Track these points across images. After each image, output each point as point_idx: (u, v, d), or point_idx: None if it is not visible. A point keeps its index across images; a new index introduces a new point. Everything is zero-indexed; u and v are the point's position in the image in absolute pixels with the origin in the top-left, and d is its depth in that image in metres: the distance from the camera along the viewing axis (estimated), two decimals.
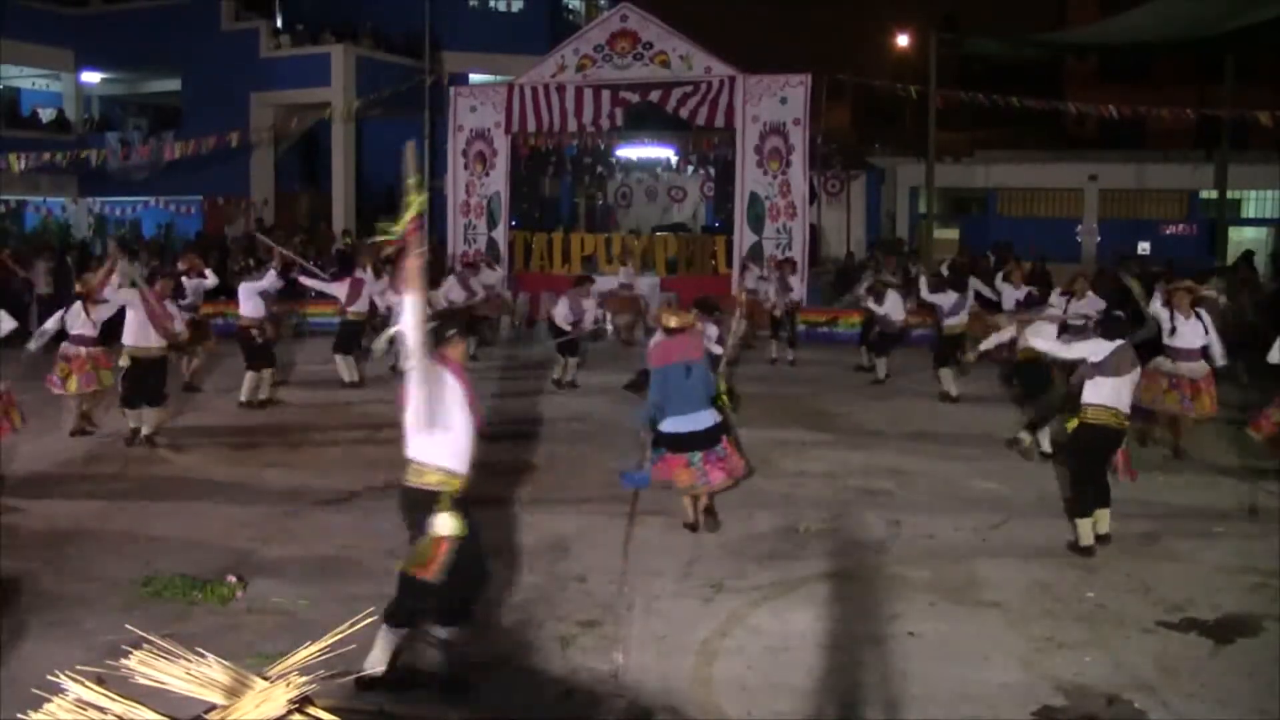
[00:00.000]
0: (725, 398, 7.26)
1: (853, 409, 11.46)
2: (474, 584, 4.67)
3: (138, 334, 9.29)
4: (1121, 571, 6.31)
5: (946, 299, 11.96)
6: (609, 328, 16.50)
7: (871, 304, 13.18)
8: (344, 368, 12.35)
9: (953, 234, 26.90)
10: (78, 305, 9.54)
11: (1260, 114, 14.44)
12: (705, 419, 6.69)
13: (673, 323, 6.86)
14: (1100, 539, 6.66)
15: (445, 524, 4.30)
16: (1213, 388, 9.12)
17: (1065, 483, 7.52)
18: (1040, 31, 24.09)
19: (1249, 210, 26.08)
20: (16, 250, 17.92)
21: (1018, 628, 5.46)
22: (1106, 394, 6.56)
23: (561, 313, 12.66)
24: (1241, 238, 24.41)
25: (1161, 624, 5.51)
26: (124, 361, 9.36)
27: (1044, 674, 4.90)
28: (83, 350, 9.52)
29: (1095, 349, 6.66)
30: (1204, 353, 9.08)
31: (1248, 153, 20.04)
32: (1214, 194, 22.10)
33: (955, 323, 11.93)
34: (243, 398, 11.02)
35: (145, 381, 9.33)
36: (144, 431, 9.40)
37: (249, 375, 11.09)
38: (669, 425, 6.68)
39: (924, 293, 12.41)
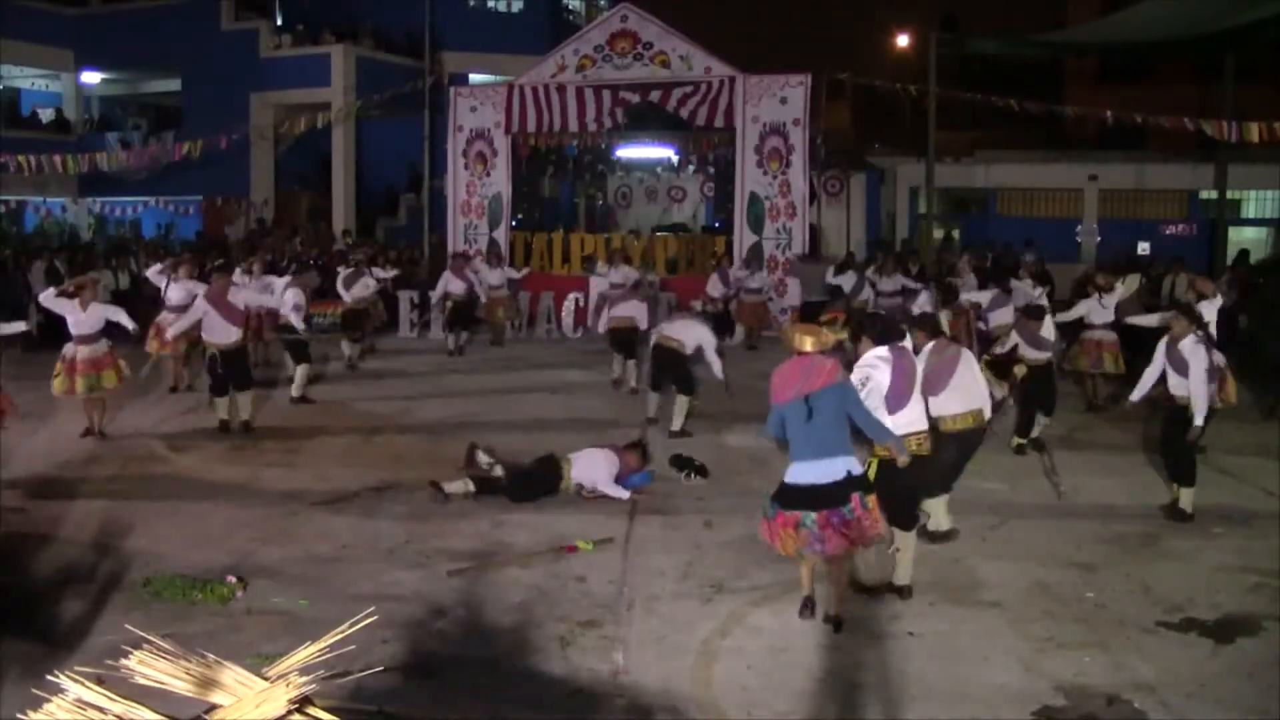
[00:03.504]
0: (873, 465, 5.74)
1: None
2: None
3: (213, 331, 9.90)
4: (1121, 571, 6.32)
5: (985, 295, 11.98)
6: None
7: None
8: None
9: (952, 234, 26.92)
10: (74, 304, 9.43)
11: (1251, 125, 14.37)
12: (835, 469, 5.24)
13: (808, 345, 5.42)
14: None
15: None
16: (1231, 376, 9.13)
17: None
18: (1040, 31, 24.04)
19: (1249, 210, 26.06)
20: (17, 251, 17.94)
21: (1018, 628, 5.46)
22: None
23: (643, 315, 12.09)
24: (1241, 238, 24.41)
25: (1161, 624, 5.51)
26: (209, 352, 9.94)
27: (1044, 674, 4.90)
28: (79, 350, 9.40)
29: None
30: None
31: (1248, 153, 20.00)
32: (1214, 194, 22.08)
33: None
34: (294, 393, 11.49)
35: (231, 370, 9.91)
36: (243, 416, 10.01)
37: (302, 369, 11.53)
38: (788, 474, 5.37)
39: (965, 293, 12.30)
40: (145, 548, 6.58)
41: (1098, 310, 10.95)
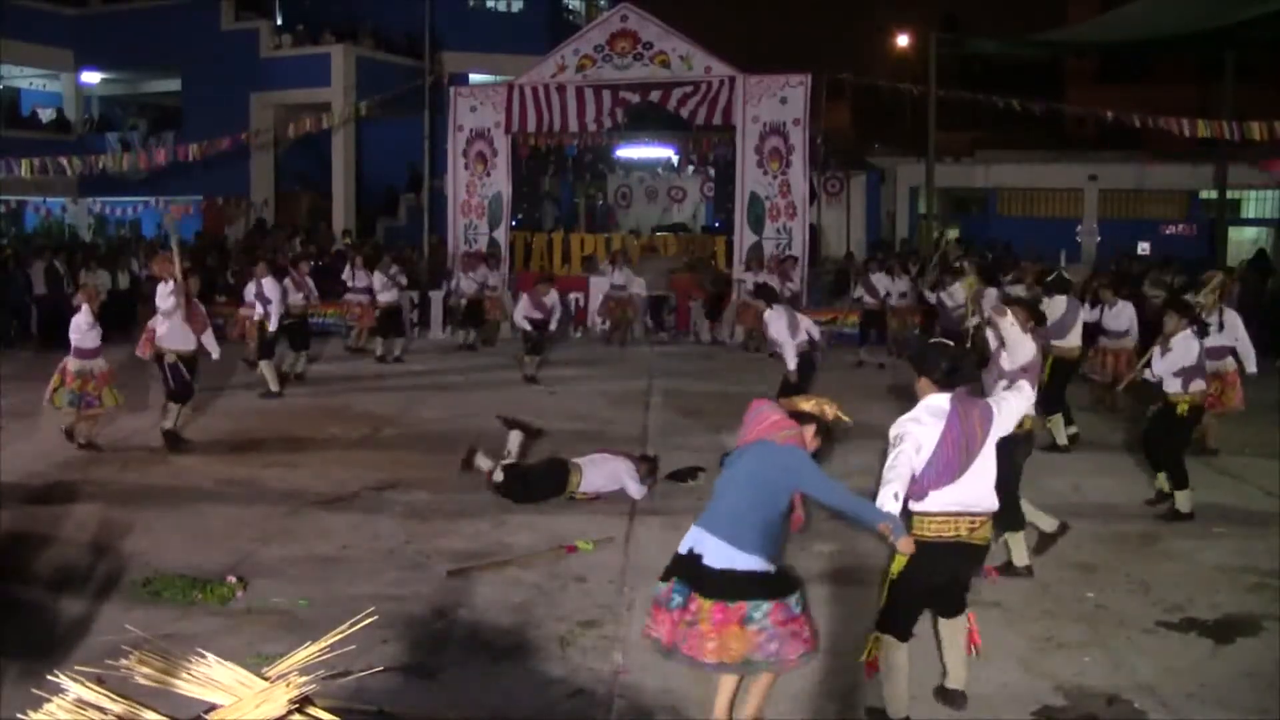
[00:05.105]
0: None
1: (852, 408, 11.41)
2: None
3: (179, 337, 9.38)
4: (1121, 571, 6.32)
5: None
6: (600, 329, 16.74)
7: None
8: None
9: (952, 234, 26.92)
10: (81, 312, 9.16)
11: (1252, 125, 14.38)
12: (722, 552, 4.01)
13: (805, 405, 4.48)
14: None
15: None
16: (1239, 383, 9.16)
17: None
18: (1040, 31, 24.08)
19: (1249, 210, 26.09)
20: (17, 251, 17.92)
21: (1018, 628, 5.46)
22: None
23: (520, 311, 13.08)
24: (1241, 238, 24.42)
25: (1161, 624, 5.51)
26: (169, 359, 9.33)
27: (1044, 674, 4.90)
28: (83, 364, 9.11)
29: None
30: (1232, 351, 9.11)
31: (1247, 152, 20.01)
32: (1214, 194, 22.11)
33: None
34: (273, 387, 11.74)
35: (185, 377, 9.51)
36: (166, 425, 9.34)
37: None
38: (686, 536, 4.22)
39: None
40: (145, 548, 6.58)
41: (1109, 317, 10.86)
